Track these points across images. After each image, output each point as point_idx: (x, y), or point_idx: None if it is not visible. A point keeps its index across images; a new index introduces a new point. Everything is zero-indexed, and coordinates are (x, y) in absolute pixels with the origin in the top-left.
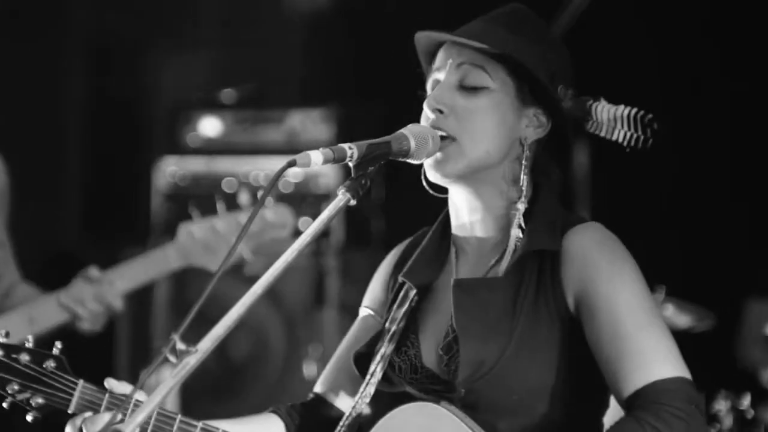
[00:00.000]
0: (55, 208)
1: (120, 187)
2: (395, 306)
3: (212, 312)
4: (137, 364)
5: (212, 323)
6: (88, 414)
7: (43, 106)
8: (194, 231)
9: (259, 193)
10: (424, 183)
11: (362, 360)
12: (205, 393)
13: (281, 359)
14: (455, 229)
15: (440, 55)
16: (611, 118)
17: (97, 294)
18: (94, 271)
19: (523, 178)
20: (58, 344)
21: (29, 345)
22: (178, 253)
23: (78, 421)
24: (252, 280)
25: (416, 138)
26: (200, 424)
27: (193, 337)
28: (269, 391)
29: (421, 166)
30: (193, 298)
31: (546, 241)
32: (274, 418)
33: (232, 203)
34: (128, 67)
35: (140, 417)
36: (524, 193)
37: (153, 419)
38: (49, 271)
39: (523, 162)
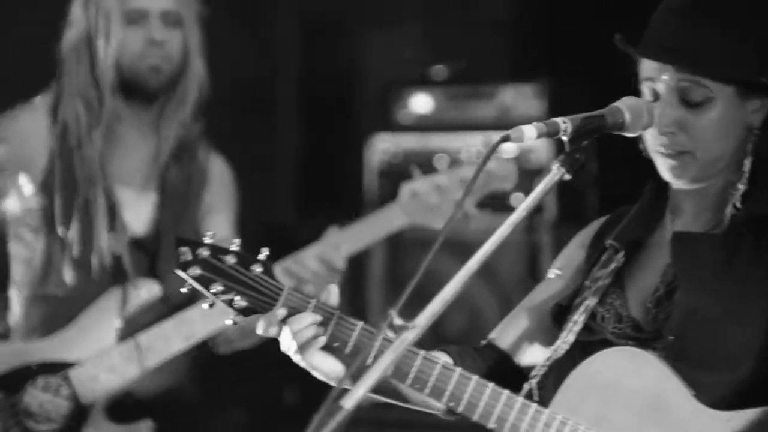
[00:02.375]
0: (269, 186)
1: (332, 165)
2: (597, 267)
3: (427, 288)
4: None
5: (427, 299)
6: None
7: (257, 83)
8: (417, 189)
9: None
10: (642, 148)
11: (559, 312)
12: None
13: None
14: (673, 192)
15: (651, 63)
16: None
17: (322, 256)
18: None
19: (746, 163)
20: (265, 251)
21: (236, 248)
22: (402, 212)
23: (279, 313)
24: (467, 255)
25: (631, 111)
26: (422, 353)
27: (408, 312)
28: None
29: (634, 139)
30: (406, 272)
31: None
32: (443, 354)
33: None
34: (340, 44)
35: (361, 390)
36: (745, 175)
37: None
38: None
39: (749, 146)
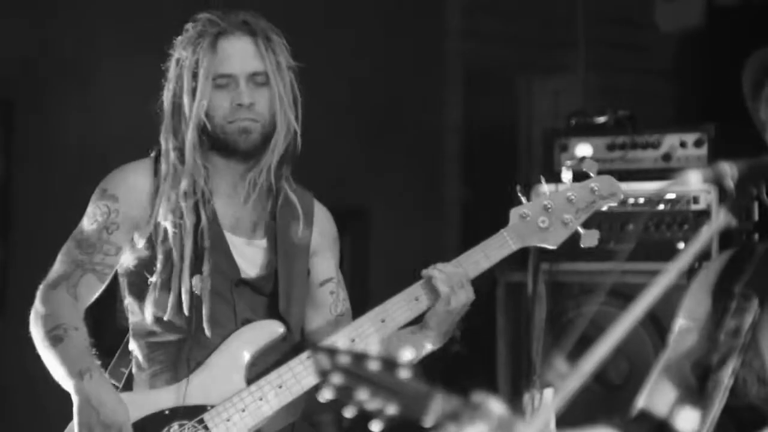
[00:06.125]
0: (435, 235)
1: (497, 214)
2: (728, 317)
3: (590, 332)
4: (517, 386)
5: (590, 343)
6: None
7: (423, 133)
8: (526, 212)
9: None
10: None
11: (701, 370)
12: (582, 415)
13: None
14: None
15: None
16: None
17: (447, 277)
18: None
19: None
20: (408, 354)
21: (378, 354)
22: (514, 235)
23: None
24: (629, 299)
25: None
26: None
27: (572, 357)
28: None
29: None
30: (568, 316)
31: None
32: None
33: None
34: (503, 93)
35: None
36: None
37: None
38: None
39: None
